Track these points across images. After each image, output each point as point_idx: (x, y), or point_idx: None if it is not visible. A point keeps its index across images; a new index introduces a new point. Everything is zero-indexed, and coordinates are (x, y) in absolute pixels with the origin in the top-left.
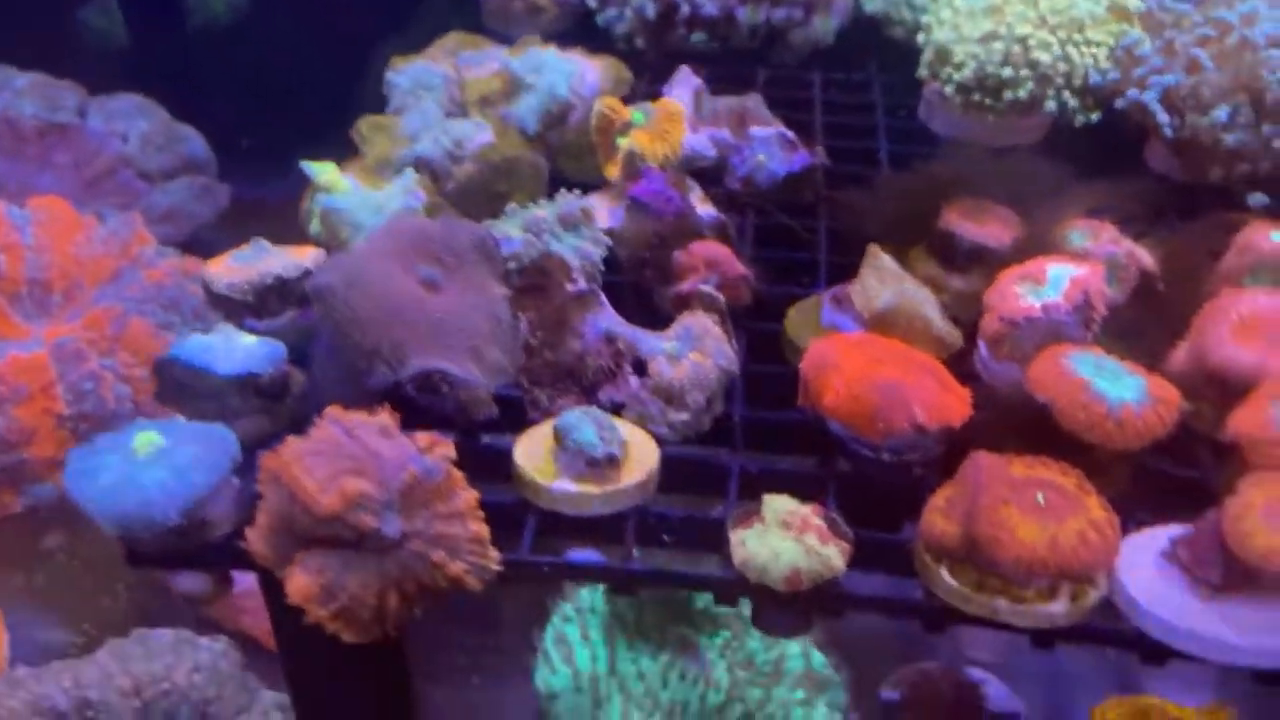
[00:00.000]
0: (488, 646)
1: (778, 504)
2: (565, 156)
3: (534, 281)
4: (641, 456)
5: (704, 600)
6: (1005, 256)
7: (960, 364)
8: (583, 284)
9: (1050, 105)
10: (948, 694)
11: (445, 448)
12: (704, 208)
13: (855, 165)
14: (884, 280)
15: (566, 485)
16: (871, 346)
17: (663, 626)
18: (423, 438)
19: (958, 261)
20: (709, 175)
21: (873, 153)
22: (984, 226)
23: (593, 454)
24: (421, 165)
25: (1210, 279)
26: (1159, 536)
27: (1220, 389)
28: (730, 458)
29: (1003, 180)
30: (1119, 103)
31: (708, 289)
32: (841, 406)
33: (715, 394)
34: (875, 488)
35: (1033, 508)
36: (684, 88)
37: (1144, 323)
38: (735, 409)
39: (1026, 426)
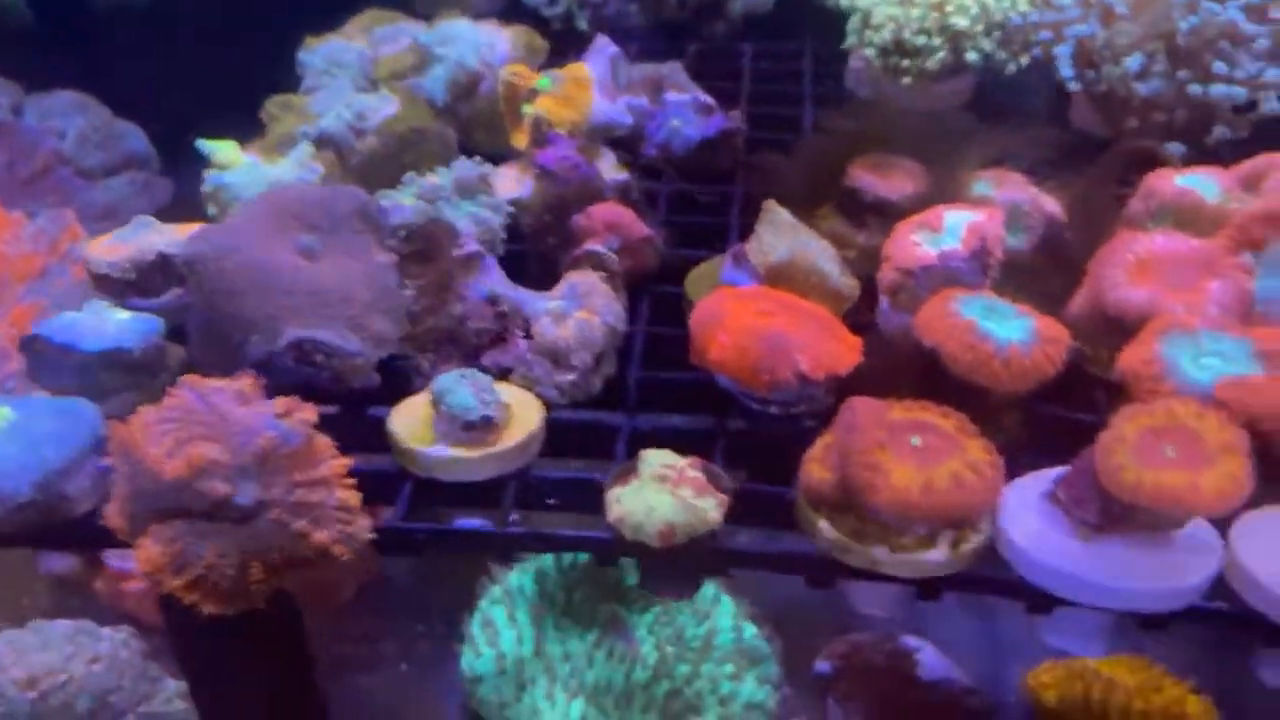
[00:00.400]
0: (418, 633)
1: (654, 458)
2: (479, 129)
3: (421, 247)
4: (524, 419)
5: (636, 575)
6: (909, 209)
7: (867, 318)
8: (471, 247)
9: (973, 57)
10: (880, 663)
11: (305, 413)
12: (615, 174)
13: (779, 133)
14: (779, 234)
15: (442, 450)
16: (759, 299)
17: (592, 606)
18: (281, 403)
19: (862, 217)
20: (626, 143)
21: (797, 120)
22: (887, 180)
23: (468, 417)
24: (325, 140)
25: (1115, 225)
26: (1044, 479)
27: (1116, 331)
28: (621, 418)
29: (912, 136)
30: (1026, 58)
31: (596, 247)
32: (727, 359)
33: (604, 353)
34: (766, 442)
35: (908, 451)
36: (600, 56)
37: (1050, 270)
38: (631, 370)
39: (918, 374)
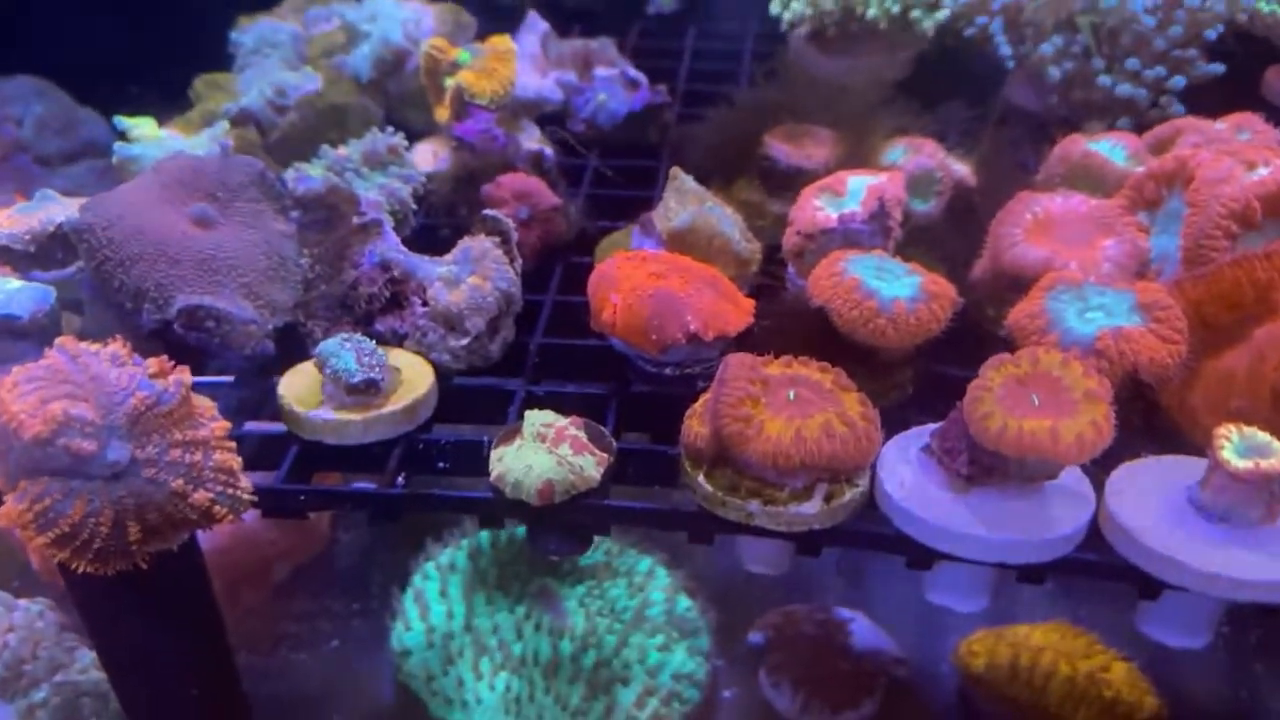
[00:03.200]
0: (354, 612)
1: (535, 418)
2: (410, 106)
3: (322, 216)
4: (413, 384)
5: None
6: (822, 177)
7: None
8: (371, 215)
9: (874, 12)
10: (812, 634)
11: (181, 374)
12: (531, 145)
13: (713, 108)
14: (683, 200)
15: (326, 413)
16: (653, 262)
17: (524, 580)
18: (154, 363)
19: (777, 185)
20: (557, 119)
21: (731, 96)
22: (800, 148)
23: (350, 380)
24: (244, 117)
25: (1019, 190)
26: (924, 434)
27: (1015, 290)
28: (517, 384)
29: (825, 105)
30: (968, 30)
31: (492, 212)
32: (619, 321)
33: (500, 318)
34: (661, 404)
35: (783, 404)
36: (531, 32)
37: (958, 233)
38: (533, 337)
39: (809, 334)
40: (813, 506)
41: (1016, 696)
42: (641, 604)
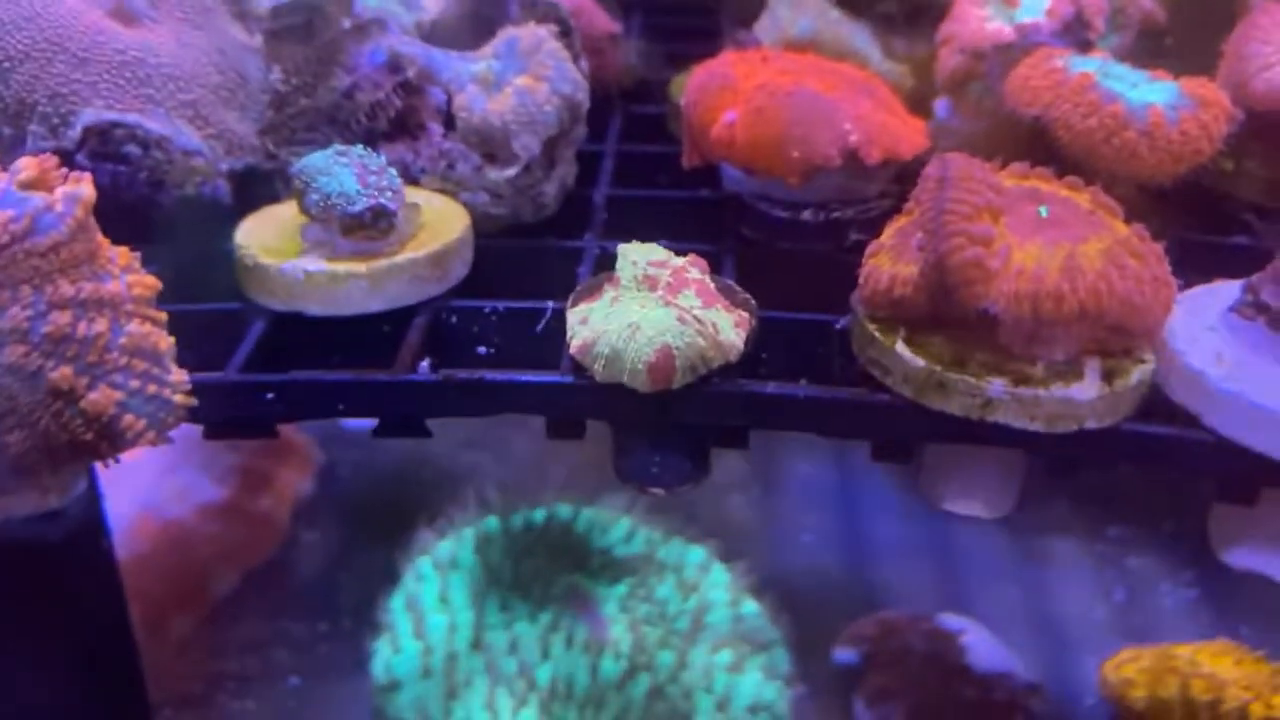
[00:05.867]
0: (320, 635)
1: (638, 253)
2: None
3: (298, 20)
4: (439, 230)
5: (604, 537)
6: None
7: None
8: (369, 14)
9: None
10: (922, 650)
11: (78, 185)
12: None
13: None
14: (801, 5)
15: (311, 262)
16: (783, 60)
17: (547, 578)
18: (31, 165)
19: (903, 18)
20: None
21: None
22: None
23: (349, 208)
24: None
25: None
26: (1221, 293)
27: (1270, 126)
28: (587, 241)
29: None
30: None
31: None
32: (742, 133)
33: (559, 141)
34: (797, 261)
35: (1032, 222)
36: None
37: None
38: (596, 188)
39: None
40: (1088, 389)
41: None
42: (699, 608)
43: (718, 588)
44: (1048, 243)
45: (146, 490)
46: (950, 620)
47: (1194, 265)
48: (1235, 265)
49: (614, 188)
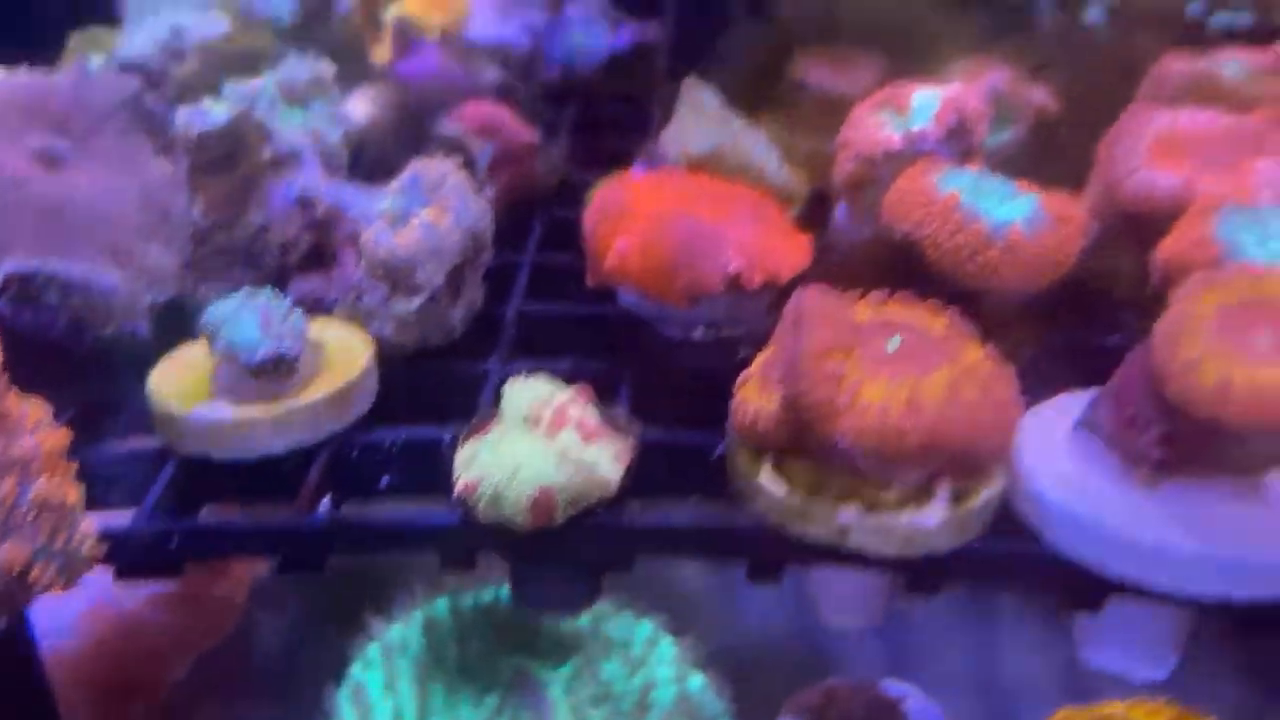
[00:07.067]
0: None
1: (522, 392)
2: (341, 58)
3: (220, 154)
4: (343, 365)
5: (550, 622)
6: None
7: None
8: (285, 147)
9: None
10: (860, 718)
11: None
12: (499, 76)
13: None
14: (703, 121)
15: (217, 409)
16: (677, 184)
17: (493, 661)
18: None
19: (810, 118)
20: (526, 67)
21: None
22: (842, 73)
23: (251, 357)
24: (131, 67)
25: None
26: (1072, 403)
27: (1140, 226)
28: (491, 364)
29: (871, 26)
30: None
31: (450, 127)
32: (632, 262)
33: (464, 270)
34: (688, 381)
35: (882, 357)
36: None
37: (1041, 168)
38: (508, 305)
39: (888, 279)
40: (935, 513)
41: None
42: (645, 686)
43: (664, 663)
44: (895, 376)
45: (100, 583)
46: (893, 686)
47: (1077, 368)
48: (1111, 367)
49: (526, 301)
